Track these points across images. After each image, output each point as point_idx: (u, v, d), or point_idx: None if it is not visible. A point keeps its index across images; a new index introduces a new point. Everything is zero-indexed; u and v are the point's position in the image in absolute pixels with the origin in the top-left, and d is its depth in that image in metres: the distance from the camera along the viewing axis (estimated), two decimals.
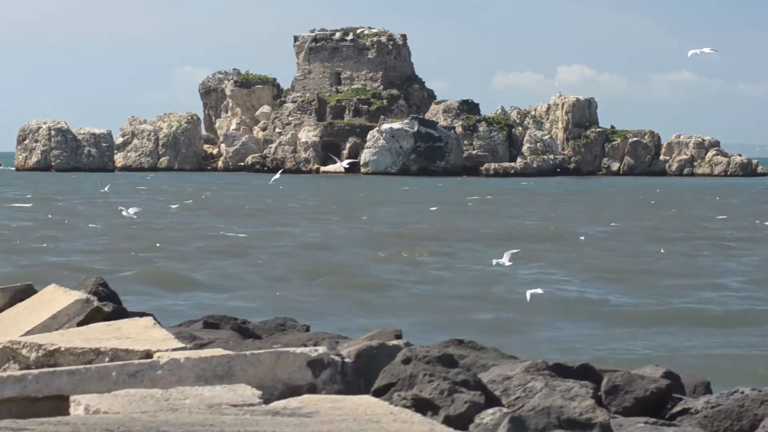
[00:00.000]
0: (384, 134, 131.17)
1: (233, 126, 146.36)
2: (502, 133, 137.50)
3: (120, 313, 10.14)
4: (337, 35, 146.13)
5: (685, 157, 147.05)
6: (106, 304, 10.16)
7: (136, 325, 8.72)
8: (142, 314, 10.53)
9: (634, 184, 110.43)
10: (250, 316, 16.14)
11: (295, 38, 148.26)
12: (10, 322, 9.92)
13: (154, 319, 9.28)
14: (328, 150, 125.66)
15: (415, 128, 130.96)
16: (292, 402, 6.12)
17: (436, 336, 16.52)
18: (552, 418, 6.65)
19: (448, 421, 7.15)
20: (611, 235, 44.53)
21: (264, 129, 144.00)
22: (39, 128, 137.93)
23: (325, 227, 47.46)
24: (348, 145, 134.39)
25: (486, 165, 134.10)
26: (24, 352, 8.14)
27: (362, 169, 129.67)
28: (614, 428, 7.22)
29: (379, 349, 8.26)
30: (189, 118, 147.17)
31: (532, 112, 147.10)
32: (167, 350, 7.83)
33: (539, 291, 23.80)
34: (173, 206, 55.19)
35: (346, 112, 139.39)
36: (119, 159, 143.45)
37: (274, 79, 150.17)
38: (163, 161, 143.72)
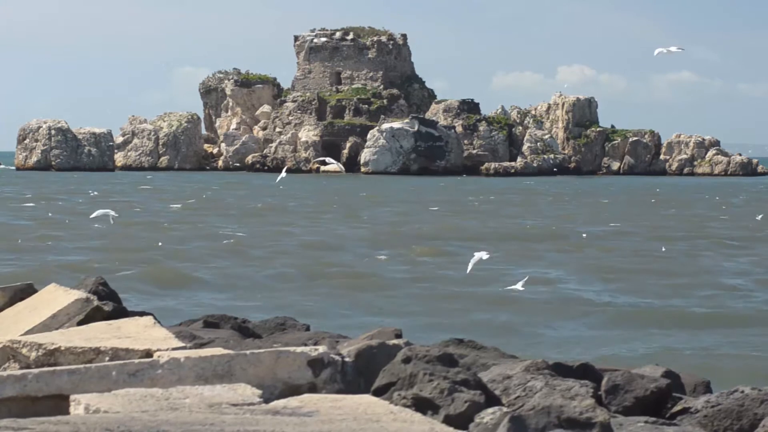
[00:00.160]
0: (384, 134, 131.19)
1: (233, 125, 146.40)
2: (502, 133, 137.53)
3: (120, 313, 10.13)
4: (337, 35, 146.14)
5: (685, 156, 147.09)
6: (106, 304, 10.16)
7: (136, 325, 8.73)
8: (142, 313, 10.54)
9: (634, 184, 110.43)
10: (250, 316, 16.15)
11: (295, 38, 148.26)
12: (10, 321, 9.93)
13: (154, 318, 9.28)
14: (328, 150, 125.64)
15: (416, 128, 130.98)
16: (293, 401, 6.12)
17: (436, 335, 16.51)
18: (552, 418, 6.65)
19: (448, 420, 7.15)
20: (612, 235, 44.53)
21: (264, 128, 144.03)
22: (39, 128, 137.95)
23: (325, 227, 47.47)
24: (348, 145, 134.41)
25: (486, 164, 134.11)
26: (24, 351, 8.15)
27: (362, 169, 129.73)
28: (614, 427, 7.22)
29: (379, 348, 8.26)
30: (189, 117, 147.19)
31: (532, 112, 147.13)
32: (167, 349, 7.84)
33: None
34: (175, 206, 55.18)
35: (347, 111, 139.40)
36: (119, 158, 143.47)
37: (275, 79, 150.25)
38: (164, 161, 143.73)
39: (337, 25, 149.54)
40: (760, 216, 51.45)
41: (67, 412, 6.23)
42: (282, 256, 34.62)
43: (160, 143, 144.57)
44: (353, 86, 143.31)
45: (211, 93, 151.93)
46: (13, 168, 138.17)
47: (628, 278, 29.50)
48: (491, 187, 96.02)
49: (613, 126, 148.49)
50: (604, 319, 22.51)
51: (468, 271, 25.07)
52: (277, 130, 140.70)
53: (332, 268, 31.27)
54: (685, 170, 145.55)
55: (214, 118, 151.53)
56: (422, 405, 7.27)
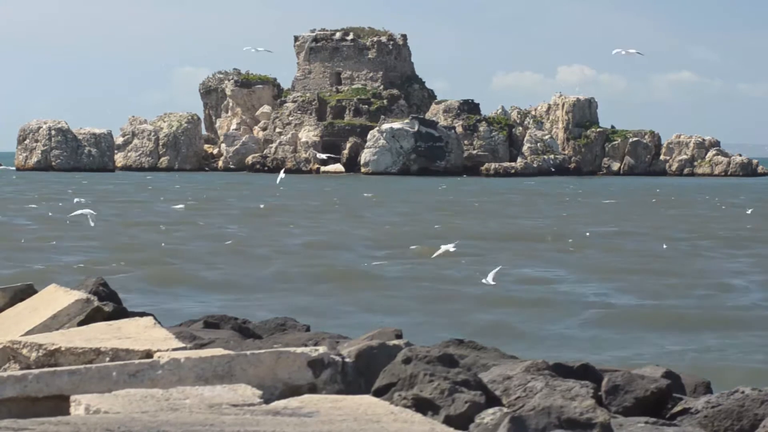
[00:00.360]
0: (384, 134, 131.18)
1: (233, 126, 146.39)
2: (502, 133, 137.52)
3: (120, 313, 10.14)
4: (338, 35, 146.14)
5: (685, 157, 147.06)
6: (107, 304, 10.16)
7: (137, 325, 8.73)
8: (142, 314, 10.54)
9: (634, 184, 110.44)
10: (251, 316, 16.15)
11: (296, 38, 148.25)
12: (10, 321, 9.93)
13: (155, 318, 9.28)
14: (327, 150, 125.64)
15: (416, 128, 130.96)
16: (293, 402, 6.12)
17: (436, 336, 16.51)
18: (552, 418, 6.65)
19: (448, 420, 7.16)
20: (612, 235, 44.54)
21: (264, 129, 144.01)
22: (39, 128, 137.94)
23: (326, 227, 47.47)
24: (348, 145, 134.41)
25: (486, 165, 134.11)
26: (24, 351, 8.15)
27: (362, 169, 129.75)
28: (614, 428, 7.22)
29: (379, 348, 8.26)
30: (189, 118, 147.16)
31: (533, 112, 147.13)
32: (167, 350, 7.84)
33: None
34: (178, 206, 55.17)
35: (347, 112, 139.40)
36: (119, 159, 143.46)
37: (275, 79, 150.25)
38: (164, 161, 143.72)
39: (337, 26, 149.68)
40: (749, 210, 51.48)
41: (67, 413, 6.24)
42: (282, 257, 34.64)
43: (160, 144, 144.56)
44: (353, 86, 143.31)
45: (211, 93, 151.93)
46: (13, 168, 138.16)
47: (628, 278, 29.50)
48: (491, 188, 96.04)
49: (613, 126, 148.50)
50: (604, 320, 22.50)
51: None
52: (277, 130, 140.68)
53: (333, 268, 31.28)
54: (685, 171, 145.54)
55: (214, 118, 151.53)
56: (422, 405, 7.27)
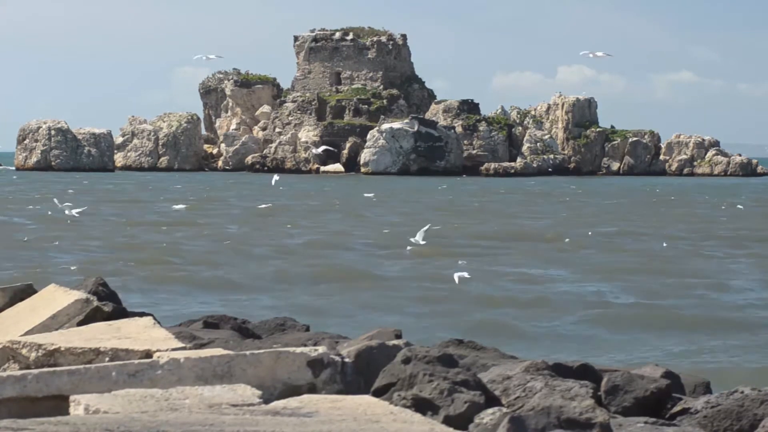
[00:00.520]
0: (384, 134, 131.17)
1: (233, 126, 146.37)
2: (502, 133, 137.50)
3: (120, 313, 10.14)
4: (337, 35, 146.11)
5: (685, 156, 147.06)
6: (106, 304, 10.16)
7: (136, 325, 8.73)
8: (141, 314, 10.54)
9: (634, 184, 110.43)
10: (250, 316, 16.15)
11: (295, 38, 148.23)
12: (10, 321, 9.93)
13: (154, 318, 9.28)
14: (327, 150, 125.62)
15: (415, 128, 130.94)
16: (292, 402, 6.12)
17: (435, 336, 16.52)
18: (552, 418, 6.65)
19: (448, 420, 7.16)
20: (612, 235, 44.53)
21: (264, 129, 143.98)
22: (39, 128, 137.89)
23: (326, 227, 47.46)
24: (348, 145, 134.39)
25: (486, 165, 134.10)
26: (24, 351, 8.15)
27: (362, 169, 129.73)
28: (614, 428, 7.22)
29: (378, 349, 8.26)
30: (189, 117, 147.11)
31: (532, 112, 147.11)
32: (167, 350, 7.84)
33: (466, 275, 24.11)
34: (179, 206, 55.16)
35: (346, 112, 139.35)
36: (119, 159, 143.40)
37: (274, 79, 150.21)
38: (163, 161, 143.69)
39: (336, 25, 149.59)
40: (740, 206, 51.45)
41: (67, 413, 6.24)
42: (282, 256, 34.64)
43: (160, 144, 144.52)
44: (353, 86, 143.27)
45: (210, 93, 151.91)
46: (13, 168, 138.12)
47: (628, 278, 29.51)
48: (491, 188, 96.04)
49: (612, 126, 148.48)
50: (604, 320, 22.51)
51: (421, 242, 25.72)
52: (277, 130, 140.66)
53: (332, 268, 31.28)
54: (685, 171, 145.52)
55: (213, 118, 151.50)
56: (422, 405, 7.27)
